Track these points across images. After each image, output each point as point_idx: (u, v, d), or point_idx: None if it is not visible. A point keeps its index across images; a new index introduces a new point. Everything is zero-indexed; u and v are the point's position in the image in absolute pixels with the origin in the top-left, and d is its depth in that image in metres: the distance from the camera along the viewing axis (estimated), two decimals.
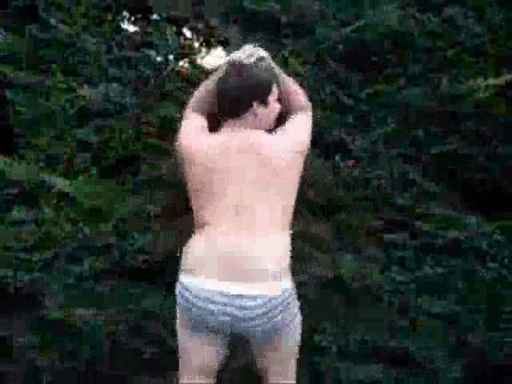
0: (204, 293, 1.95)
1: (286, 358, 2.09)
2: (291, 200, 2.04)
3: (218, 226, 2.00)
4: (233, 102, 2.04)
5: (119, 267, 3.03)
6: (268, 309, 1.93)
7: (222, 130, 2.08)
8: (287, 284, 1.98)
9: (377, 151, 3.05)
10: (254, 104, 2.03)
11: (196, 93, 2.21)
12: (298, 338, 2.10)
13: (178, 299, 2.02)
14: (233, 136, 2.04)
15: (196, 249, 2.02)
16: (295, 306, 2.04)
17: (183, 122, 2.16)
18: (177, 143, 2.13)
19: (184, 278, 2.00)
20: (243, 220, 1.98)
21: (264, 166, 1.98)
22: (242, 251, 1.95)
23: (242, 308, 1.93)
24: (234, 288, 1.93)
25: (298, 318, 2.07)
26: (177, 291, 2.03)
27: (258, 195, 1.98)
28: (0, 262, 2.96)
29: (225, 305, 1.93)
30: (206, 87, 2.19)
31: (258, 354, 2.09)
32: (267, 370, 2.11)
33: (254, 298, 1.92)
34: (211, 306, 1.94)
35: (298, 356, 2.14)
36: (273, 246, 1.98)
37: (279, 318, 1.96)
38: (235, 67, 2.08)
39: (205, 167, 2.02)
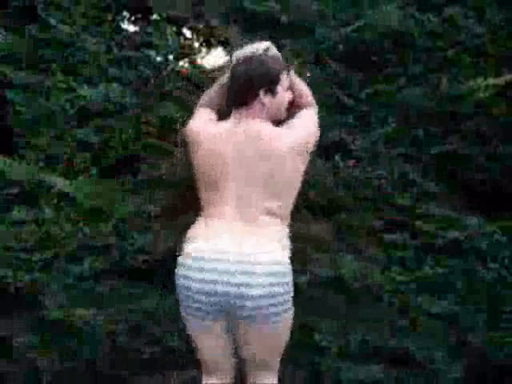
0: (204, 253, 1.99)
1: (271, 350, 2.08)
2: (291, 193, 2.05)
3: (218, 216, 2.03)
4: (240, 90, 2.06)
5: (119, 267, 3.03)
6: (270, 272, 1.94)
7: (230, 118, 2.10)
8: (285, 260, 2.00)
9: (377, 151, 3.05)
10: (261, 92, 2.04)
11: (206, 92, 2.29)
12: (287, 332, 2.09)
13: (178, 281, 2.05)
14: (238, 126, 2.06)
15: (197, 231, 2.07)
16: (290, 292, 2.03)
17: (194, 115, 2.22)
18: (185, 130, 2.18)
19: (184, 250, 2.05)
20: (242, 211, 2.00)
21: (265, 158, 1.99)
22: (241, 239, 1.98)
23: (240, 263, 1.94)
24: (237, 250, 1.96)
25: (290, 311, 2.06)
26: (176, 277, 2.06)
27: (258, 187, 2.00)
28: (0, 261, 2.96)
29: (228, 261, 1.95)
30: (215, 88, 2.24)
31: (244, 341, 2.07)
32: (250, 362, 2.11)
33: (256, 262, 1.94)
34: (213, 265, 1.96)
35: (281, 355, 2.12)
36: (270, 234, 2.00)
37: (276, 289, 1.95)
38: (245, 58, 2.10)
39: (210, 151, 2.06)
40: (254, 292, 1.93)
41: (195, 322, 2.07)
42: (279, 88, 2.07)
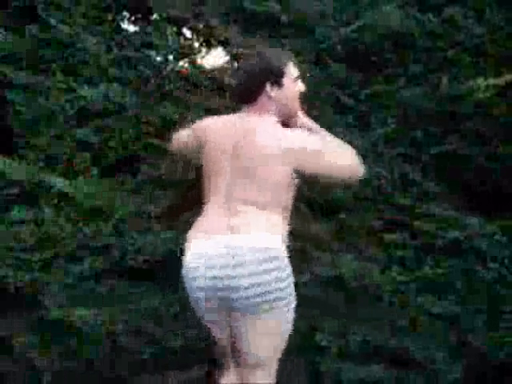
0: (196, 249, 2.00)
1: (267, 346, 2.02)
2: (281, 190, 1.99)
3: (210, 211, 2.04)
4: (246, 87, 2.06)
5: (119, 267, 3.03)
6: (254, 257, 1.91)
7: (238, 113, 2.10)
8: (276, 244, 1.95)
9: (377, 151, 3.04)
10: (267, 86, 2.03)
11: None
12: (284, 328, 2.02)
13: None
14: (241, 120, 2.06)
15: (193, 228, 2.08)
16: (287, 277, 1.97)
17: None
18: (195, 125, 2.21)
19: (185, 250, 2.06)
20: (229, 204, 1.99)
21: (252, 154, 1.98)
22: (227, 227, 1.97)
23: (228, 255, 1.93)
24: (221, 240, 1.96)
25: (283, 301, 1.98)
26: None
27: (246, 179, 1.99)
28: (0, 261, 2.95)
29: (212, 258, 1.96)
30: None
31: (240, 334, 2.04)
32: (246, 360, 2.08)
33: (239, 247, 1.93)
34: (201, 261, 1.98)
35: (278, 354, 2.06)
36: (255, 224, 1.96)
37: (268, 276, 1.91)
38: (246, 55, 2.11)
39: (213, 146, 2.07)
40: (240, 283, 1.92)
41: (201, 314, 2.08)
42: (285, 80, 2.05)
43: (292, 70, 2.07)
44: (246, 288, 1.92)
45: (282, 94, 2.05)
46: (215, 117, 2.18)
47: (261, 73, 2.03)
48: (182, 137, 2.29)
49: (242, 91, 2.08)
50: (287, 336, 2.06)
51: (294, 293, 2.01)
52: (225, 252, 1.95)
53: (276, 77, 2.03)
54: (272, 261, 1.93)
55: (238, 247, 1.94)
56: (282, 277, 1.95)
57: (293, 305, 2.02)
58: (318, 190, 2.95)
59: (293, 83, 2.07)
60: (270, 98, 2.04)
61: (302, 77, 2.11)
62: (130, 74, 3.13)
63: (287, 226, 2.05)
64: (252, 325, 1.99)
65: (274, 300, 1.94)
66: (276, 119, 2.07)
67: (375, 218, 3.01)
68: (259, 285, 1.92)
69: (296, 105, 2.11)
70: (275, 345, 2.05)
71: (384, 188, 3.02)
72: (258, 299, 1.93)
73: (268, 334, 2.01)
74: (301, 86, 2.11)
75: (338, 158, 2.05)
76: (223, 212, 2.01)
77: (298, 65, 2.13)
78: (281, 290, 1.95)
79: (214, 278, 1.96)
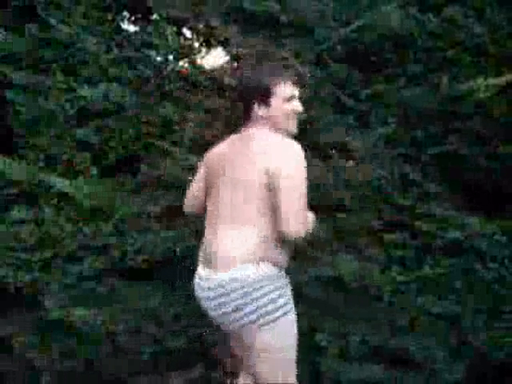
0: (196, 279, 2.10)
1: (263, 364, 2.01)
2: (256, 200, 1.95)
3: (206, 224, 2.11)
4: (238, 100, 2.08)
5: (119, 267, 3.03)
6: (225, 290, 1.95)
7: (237, 134, 2.13)
8: (249, 270, 1.93)
9: (377, 151, 3.04)
10: (255, 106, 2.02)
11: None
12: (282, 341, 2.00)
13: None
14: (234, 139, 2.08)
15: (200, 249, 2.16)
16: (269, 298, 1.94)
17: None
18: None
19: None
20: (218, 219, 2.03)
21: (238, 167, 2.00)
22: (212, 245, 2.03)
23: (208, 289, 2.01)
24: (205, 272, 2.04)
25: (279, 316, 1.97)
26: None
27: (229, 196, 2.00)
28: (0, 261, 2.96)
29: (203, 288, 2.04)
30: None
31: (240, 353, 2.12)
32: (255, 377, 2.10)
33: (214, 279, 1.99)
34: (198, 292, 2.09)
35: (284, 373, 2.04)
36: (234, 238, 1.97)
37: (240, 301, 1.93)
38: (238, 66, 2.12)
39: (210, 170, 2.13)
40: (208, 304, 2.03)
41: None
42: (274, 100, 2.01)
43: (286, 90, 2.02)
44: (213, 309, 2.02)
45: (270, 113, 2.02)
46: (217, 146, 2.21)
47: (248, 91, 2.01)
48: (190, 192, 2.28)
49: (238, 104, 2.11)
50: (286, 353, 2.04)
51: (271, 315, 1.97)
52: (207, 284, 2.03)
53: (262, 96, 2.00)
54: (229, 294, 1.95)
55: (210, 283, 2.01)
56: (244, 302, 1.94)
57: (267, 327, 1.97)
58: (319, 190, 2.95)
59: (284, 103, 2.02)
60: (260, 116, 2.03)
61: (300, 97, 2.09)
62: (130, 73, 3.13)
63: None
64: (240, 344, 2.06)
65: (247, 323, 1.96)
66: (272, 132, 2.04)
67: (375, 217, 3.01)
68: (221, 308, 1.99)
69: (291, 123, 2.06)
70: (273, 364, 2.02)
71: (384, 188, 3.01)
72: (226, 318, 1.98)
73: (259, 351, 2.00)
74: (296, 106, 2.05)
75: (298, 208, 1.99)
76: (211, 234, 2.05)
77: (301, 81, 2.09)
78: (250, 313, 1.95)
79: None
